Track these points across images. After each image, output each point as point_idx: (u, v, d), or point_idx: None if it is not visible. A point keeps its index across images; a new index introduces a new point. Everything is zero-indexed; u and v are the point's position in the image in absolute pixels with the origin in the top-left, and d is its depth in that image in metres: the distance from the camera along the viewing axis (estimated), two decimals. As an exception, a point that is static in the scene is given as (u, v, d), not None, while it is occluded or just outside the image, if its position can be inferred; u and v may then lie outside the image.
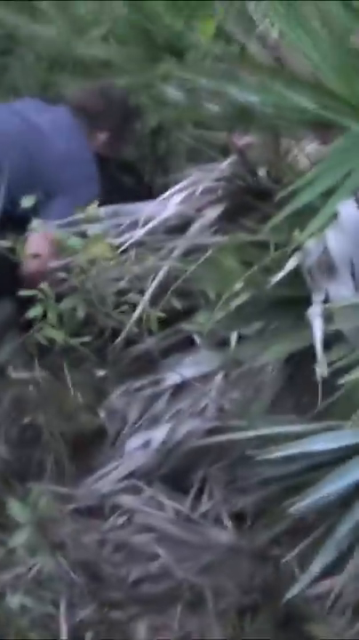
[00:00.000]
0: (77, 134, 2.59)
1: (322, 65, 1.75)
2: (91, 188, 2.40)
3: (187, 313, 1.93)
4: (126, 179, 2.82)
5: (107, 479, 2.00)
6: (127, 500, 1.94)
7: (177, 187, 2.03)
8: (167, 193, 2.05)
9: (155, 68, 2.69)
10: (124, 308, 1.76)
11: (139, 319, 1.84)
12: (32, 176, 2.36)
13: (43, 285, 1.58)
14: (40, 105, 2.73)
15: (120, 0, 2.99)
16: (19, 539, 1.66)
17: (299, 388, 1.93)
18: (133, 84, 2.86)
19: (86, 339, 1.70)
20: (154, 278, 1.81)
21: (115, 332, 1.87)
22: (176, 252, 1.88)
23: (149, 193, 2.60)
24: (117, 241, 1.89)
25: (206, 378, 2.03)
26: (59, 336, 1.57)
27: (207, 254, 1.79)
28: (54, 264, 1.73)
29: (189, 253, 1.90)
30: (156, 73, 2.60)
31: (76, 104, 2.64)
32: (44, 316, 1.63)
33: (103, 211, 1.84)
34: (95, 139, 2.61)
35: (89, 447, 2.12)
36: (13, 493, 1.93)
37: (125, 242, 1.84)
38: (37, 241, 2.14)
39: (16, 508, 1.71)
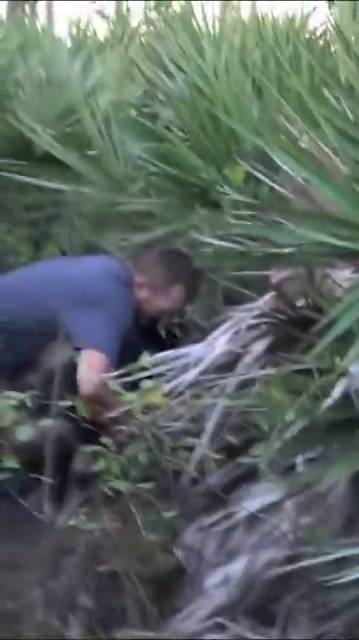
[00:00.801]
0: (111, 277, 2.86)
1: (342, 203, 1.89)
2: (122, 304, 2.73)
3: (247, 445, 2.00)
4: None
5: (191, 619, 2.02)
6: (215, 638, 1.95)
7: (222, 327, 2.16)
8: (213, 334, 2.18)
9: (191, 217, 2.90)
10: (185, 448, 1.84)
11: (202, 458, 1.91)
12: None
13: (105, 440, 1.69)
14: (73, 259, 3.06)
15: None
16: None
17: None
18: (171, 232, 3.08)
19: (150, 485, 1.78)
20: (210, 417, 1.90)
21: (179, 471, 1.95)
22: (228, 389, 1.98)
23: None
24: (170, 385, 2.01)
25: (275, 506, 2.06)
26: (123, 487, 1.66)
27: (256, 388, 1.88)
28: (112, 414, 1.84)
29: (240, 389, 2.00)
30: (192, 221, 2.80)
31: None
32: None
33: (153, 359, 1.95)
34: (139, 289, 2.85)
35: (168, 587, 2.15)
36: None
37: (178, 385, 1.95)
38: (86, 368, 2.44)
39: (104, 659, 1.73)
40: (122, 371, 1.89)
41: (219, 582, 2.04)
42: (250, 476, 2.07)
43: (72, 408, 1.68)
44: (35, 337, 2.60)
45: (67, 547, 2.11)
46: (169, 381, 1.98)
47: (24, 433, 1.58)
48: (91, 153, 3.62)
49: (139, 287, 2.90)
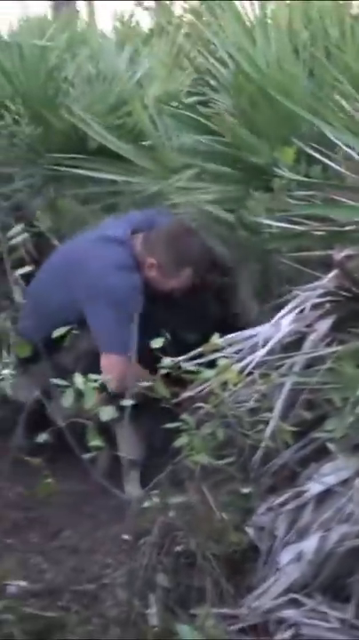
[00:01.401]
0: (121, 268, 2.90)
1: None
2: (133, 296, 2.78)
3: (317, 422, 2.02)
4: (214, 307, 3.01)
5: (266, 596, 2.05)
6: (290, 614, 1.97)
7: (287, 307, 2.18)
8: (278, 315, 2.20)
9: (247, 201, 2.91)
10: (258, 426, 1.87)
11: (273, 435, 1.94)
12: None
13: (186, 416, 1.73)
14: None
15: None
16: (194, 661, 1.71)
17: None
18: (228, 217, 3.09)
19: (230, 459, 1.81)
20: (280, 394, 1.93)
21: (254, 450, 1.98)
22: (296, 367, 2.00)
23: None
24: (240, 365, 2.04)
25: (347, 483, 2.08)
26: (206, 460, 1.70)
27: (325, 365, 1.89)
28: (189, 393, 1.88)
29: (309, 367, 2.01)
30: (249, 205, 2.82)
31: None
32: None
33: (223, 339, 1.98)
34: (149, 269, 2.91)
35: (242, 566, 2.18)
36: (178, 620, 2.01)
37: (248, 365, 1.98)
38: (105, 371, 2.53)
39: (185, 633, 1.77)
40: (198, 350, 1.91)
41: (293, 559, 2.06)
42: (321, 453, 2.09)
43: (150, 388, 1.72)
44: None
45: (145, 527, 2.16)
46: (238, 362, 2.00)
47: (106, 414, 1.62)
48: (144, 143, 3.66)
49: (150, 268, 2.93)
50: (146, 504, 2.05)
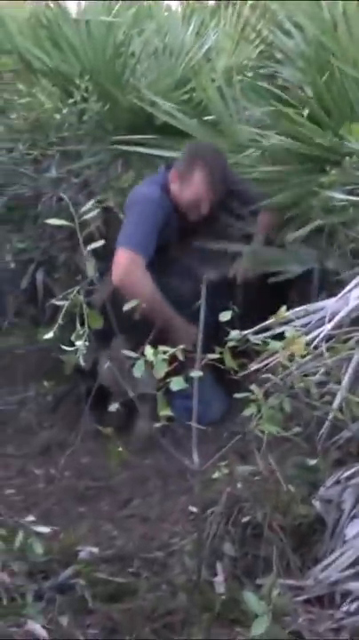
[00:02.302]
0: (150, 182, 3.24)
1: None
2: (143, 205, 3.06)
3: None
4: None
5: (332, 568, 2.07)
6: (356, 586, 1.99)
7: (355, 281, 2.16)
8: (346, 289, 2.18)
9: (315, 180, 2.88)
10: (326, 398, 1.88)
11: (341, 408, 1.94)
12: None
13: (254, 387, 1.74)
14: None
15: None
16: (259, 629, 1.73)
17: None
18: (293, 196, 3.07)
19: (296, 430, 1.82)
20: (347, 367, 1.92)
21: (320, 424, 1.98)
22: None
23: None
24: (308, 338, 2.04)
25: None
26: (274, 429, 1.72)
27: None
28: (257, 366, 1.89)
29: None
30: (319, 183, 2.78)
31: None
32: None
33: (292, 312, 1.99)
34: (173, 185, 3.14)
35: (309, 538, 2.20)
36: (244, 589, 2.05)
37: (316, 337, 1.98)
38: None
39: (252, 601, 1.80)
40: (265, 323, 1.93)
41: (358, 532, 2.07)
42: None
43: (219, 360, 1.75)
44: None
45: (213, 497, 2.20)
46: (305, 335, 2.00)
47: (176, 384, 1.66)
48: (209, 119, 3.66)
49: (173, 182, 3.15)
50: (214, 475, 2.08)
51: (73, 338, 1.69)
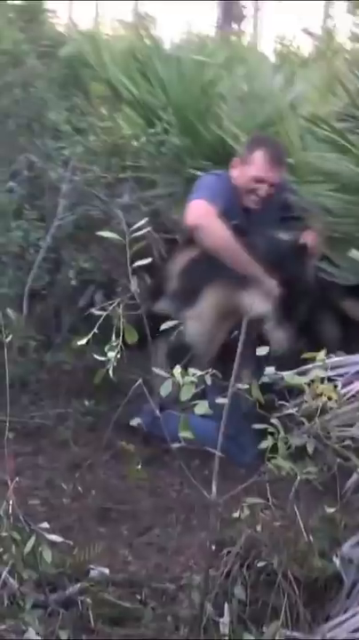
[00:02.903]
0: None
1: None
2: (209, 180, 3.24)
3: None
4: None
5: (342, 628, 2.00)
6: (362, 650, 1.92)
7: None
8: None
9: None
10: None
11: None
12: None
13: (274, 420, 1.72)
14: None
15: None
16: None
17: None
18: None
19: (315, 470, 1.78)
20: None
21: (345, 472, 1.94)
22: None
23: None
24: (345, 389, 2.00)
25: None
26: (287, 466, 1.68)
27: None
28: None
29: None
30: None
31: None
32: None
33: (330, 361, 1.96)
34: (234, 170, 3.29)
35: (323, 594, 2.14)
36: (248, 634, 2.00)
37: (351, 390, 1.94)
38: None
39: (252, 647, 1.76)
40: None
41: (377, 595, 2.00)
42: None
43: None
44: None
45: (229, 536, 2.16)
46: (343, 385, 1.98)
47: (201, 408, 1.65)
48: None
49: (234, 168, 3.30)
50: (235, 514, 2.05)
51: (106, 349, 1.70)
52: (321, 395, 1.63)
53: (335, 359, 1.92)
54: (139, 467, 1.89)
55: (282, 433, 1.66)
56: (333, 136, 3.42)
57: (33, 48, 4.12)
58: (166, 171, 3.88)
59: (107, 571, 2.28)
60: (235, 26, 7.38)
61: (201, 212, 3.07)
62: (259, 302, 2.92)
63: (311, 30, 7.33)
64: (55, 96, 3.89)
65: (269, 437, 1.67)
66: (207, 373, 1.65)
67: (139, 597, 2.22)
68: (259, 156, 3.25)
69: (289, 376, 1.69)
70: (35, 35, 4.87)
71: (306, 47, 5.55)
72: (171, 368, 1.72)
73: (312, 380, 1.66)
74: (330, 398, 1.64)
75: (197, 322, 2.39)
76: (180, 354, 2.67)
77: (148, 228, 1.80)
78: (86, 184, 3.55)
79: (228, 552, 2.18)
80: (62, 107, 3.82)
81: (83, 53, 4.61)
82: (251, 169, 3.26)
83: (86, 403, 3.24)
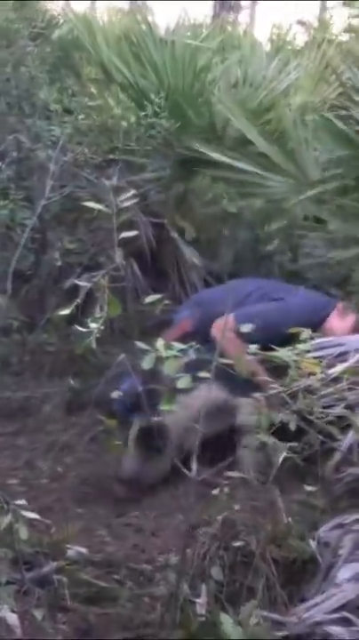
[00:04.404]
0: None
1: None
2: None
3: None
4: None
5: (318, 609, 1.99)
6: (338, 631, 1.91)
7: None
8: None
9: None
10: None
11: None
12: None
13: (260, 397, 1.71)
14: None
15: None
16: (230, 657, 1.67)
17: None
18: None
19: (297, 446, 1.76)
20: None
21: (326, 454, 1.92)
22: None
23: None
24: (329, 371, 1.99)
25: None
26: (270, 440, 1.67)
27: None
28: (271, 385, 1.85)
29: None
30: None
31: None
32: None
33: (316, 342, 1.95)
34: None
35: (300, 575, 2.13)
36: (225, 614, 1.99)
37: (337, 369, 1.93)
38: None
39: (227, 624, 1.75)
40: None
41: (352, 577, 1.99)
42: None
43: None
44: None
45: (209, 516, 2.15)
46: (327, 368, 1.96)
47: (183, 382, 1.63)
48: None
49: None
50: (214, 491, 2.03)
51: (89, 320, 1.68)
52: (306, 371, 1.62)
53: (318, 341, 1.91)
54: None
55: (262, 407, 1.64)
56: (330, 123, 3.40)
57: (26, 27, 4.06)
58: (155, 154, 3.85)
59: (84, 550, 2.26)
60: (231, 14, 7.35)
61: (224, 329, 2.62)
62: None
63: (305, 20, 7.32)
64: (47, 76, 3.85)
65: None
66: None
67: (115, 577, 2.21)
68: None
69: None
70: (29, 15, 4.82)
71: (301, 37, 5.54)
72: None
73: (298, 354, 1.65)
74: (313, 374, 1.63)
75: (184, 410, 2.29)
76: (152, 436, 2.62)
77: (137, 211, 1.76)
78: (75, 165, 3.51)
79: (205, 533, 2.17)
80: (53, 87, 3.77)
81: (78, 36, 4.56)
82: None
83: (71, 382, 3.21)
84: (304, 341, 1.73)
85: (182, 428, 2.65)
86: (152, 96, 3.82)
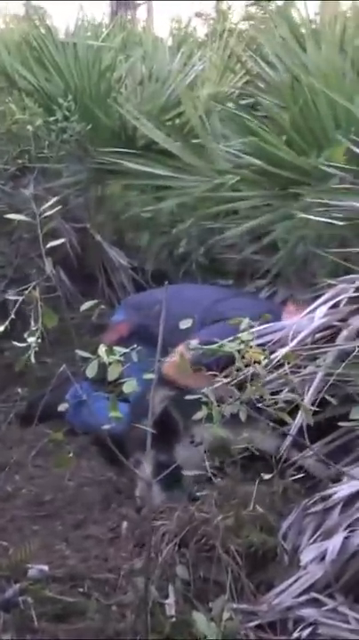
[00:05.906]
0: None
1: None
2: None
3: (345, 416, 1.97)
4: None
5: (286, 594, 2.01)
6: (310, 612, 1.93)
7: (321, 300, 2.14)
8: (312, 306, 2.16)
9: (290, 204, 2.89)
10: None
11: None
12: None
13: (207, 390, 1.70)
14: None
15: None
16: (207, 654, 1.67)
17: None
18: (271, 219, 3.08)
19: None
20: (310, 385, 1.89)
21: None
22: (328, 360, 1.96)
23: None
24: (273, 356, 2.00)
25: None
26: (223, 433, 1.67)
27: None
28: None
29: (340, 361, 1.97)
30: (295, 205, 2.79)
31: None
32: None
33: (256, 329, 1.95)
34: None
35: (265, 563, 2.14)
36: (196, 612, 1.98)
37: (277, 356, 1.95)
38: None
39: (201, 622, 1.74)
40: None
41: (316, 558, 2.02)
42: (350, 447, 2.04)
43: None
44: None
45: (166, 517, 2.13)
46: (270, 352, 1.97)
47: (129, 386, 1.61)
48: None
49: None
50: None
51: (26, 335, 1.65)
52: (250, 359, 1.62)
53: (259, 327, 1.91)
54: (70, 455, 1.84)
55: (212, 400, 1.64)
56: (238, 114, 3.42)
57: None
58: (70, 159, 3.81)
59: (45, 568, 2.22)
60: (128, 12, 7.33)
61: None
62: None
63: (203, 12, 7.37)
64: None
65: (204, 407, 1.66)
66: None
67: (81, 591, 2.17)
68: None
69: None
70: None
71: (201, 29, 5.57)
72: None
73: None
74: (259, 362, 1.64)
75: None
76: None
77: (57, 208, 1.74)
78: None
79: (164, 533, 2.15)
80: None
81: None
82: None
83: (18, 395, 3.13)
84: (245, 330, 1.73)
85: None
86: (60, 100, 3.77)
